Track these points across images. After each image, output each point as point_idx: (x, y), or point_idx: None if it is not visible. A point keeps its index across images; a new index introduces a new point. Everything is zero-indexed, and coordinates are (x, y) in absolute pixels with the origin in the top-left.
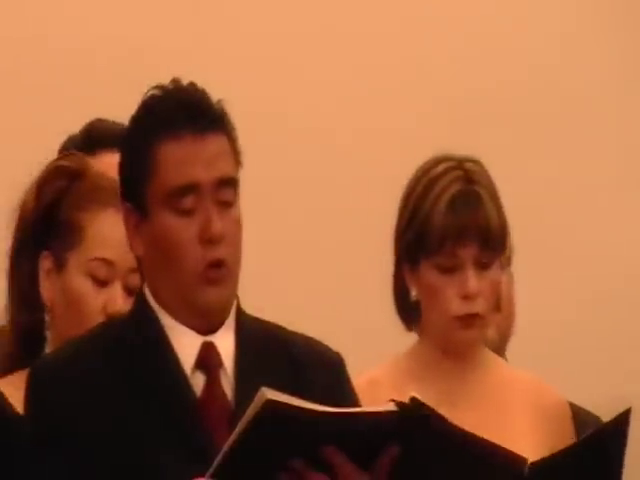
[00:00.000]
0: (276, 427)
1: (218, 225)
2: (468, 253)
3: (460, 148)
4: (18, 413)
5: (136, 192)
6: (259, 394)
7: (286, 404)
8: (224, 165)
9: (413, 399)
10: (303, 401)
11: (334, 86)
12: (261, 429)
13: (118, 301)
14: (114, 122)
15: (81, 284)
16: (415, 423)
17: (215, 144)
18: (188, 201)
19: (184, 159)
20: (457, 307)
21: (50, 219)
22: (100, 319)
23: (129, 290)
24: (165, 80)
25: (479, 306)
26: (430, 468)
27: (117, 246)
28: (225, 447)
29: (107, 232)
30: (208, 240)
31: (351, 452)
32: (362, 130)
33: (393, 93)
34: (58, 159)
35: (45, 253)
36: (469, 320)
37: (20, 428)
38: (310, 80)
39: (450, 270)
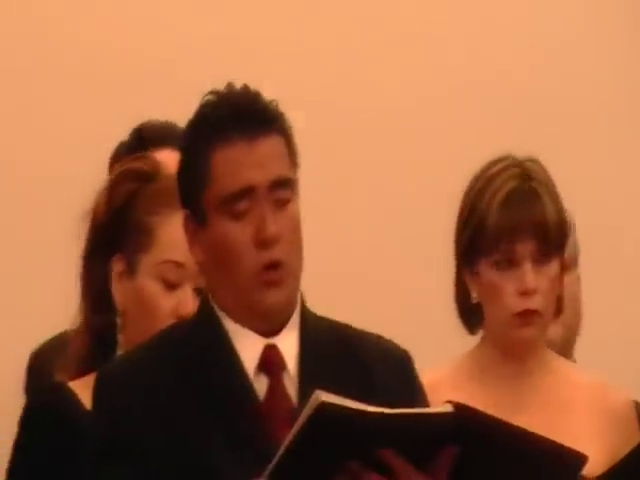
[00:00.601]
0: (330, 429)
1: (272, 227)
2: (525, 249)
3: (524, 149)
4: (86, 411)
5: (193, 199)
6: (313, 396)
7: (340, 406)
8: (278, 166)
9: (459, 405)
10: (358, 403)
11: (397, 86)
12: (315, 431)
13: (189, 304)
14: (162, 122)
15: (152, 287)
16: (471, 424)
17: (267, 146)
18: (243, 205)
19: (237, 164)
20: (515, 303)
21: (122, 222)
22: (171, 321)
23: (200, 293)
24: (223, 81)
25: (537, 302)
26: (487, 469)
27: (187, 248)
28: (281, 448)
29: (177, 235)
30: (263, 242)
31: (406, 453)
32: (424, 131)
33: (456, 95)
34: (129, 161)
35: (118, 256)
36: (528, 317)
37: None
38: (373, 80)
39: (508, 267)
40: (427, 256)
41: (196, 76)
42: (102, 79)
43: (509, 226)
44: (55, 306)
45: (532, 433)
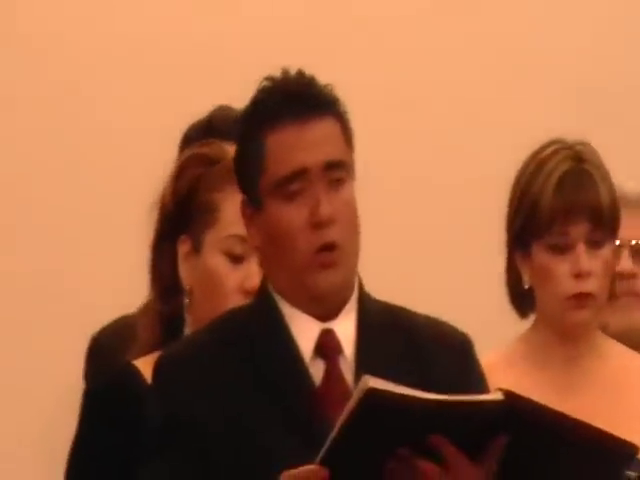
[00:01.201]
0: (379, 415)
1: (326, 208)
2: (579, 231)
3: (575, 133)
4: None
5: (249, 185)
6: (361, 382)
7: (388, 392)
8: (331, 148)
9: (509, 392)
10: (407, 388)
11: (450, 72)
12: (364, 417)
13: (255, 277)
14: (234, 112)
15: (218, 262)
16: (521, 412)
17: (320, 128)
18: (296, 187)
19: (289, 147)
20: (569, 286)
21: (187, 205)
22: (237, 296)
23: None
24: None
25: (591, 285)
26: (536, 457)
27: None
28: (332, 433)
29: None
30: (317, 224)
31: (455, 440)
32: (475, 116)
33: (507, 80)
34: (196, 147)
35: (183, 237)
36: (582, 300)
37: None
38: (427, 65)
39: (561, 250)
40: (479, 241)
41: (255, 63)
42: (169, 70)
43: (563, 208)
44: (116, 290)
45: (582, 422)
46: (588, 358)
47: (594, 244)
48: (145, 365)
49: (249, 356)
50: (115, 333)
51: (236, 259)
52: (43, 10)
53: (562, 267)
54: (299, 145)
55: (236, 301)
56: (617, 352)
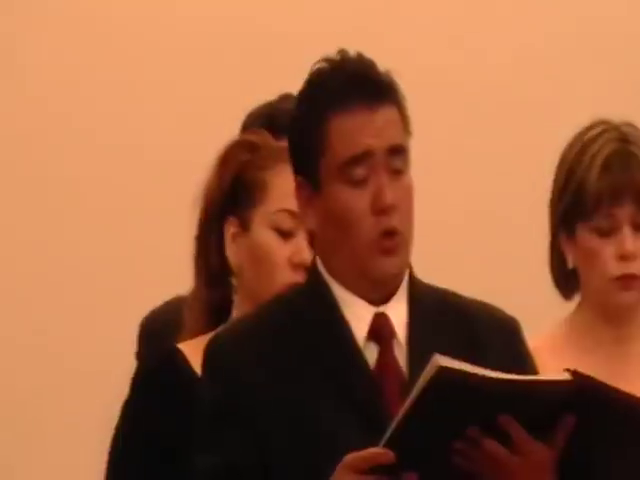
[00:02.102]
0: (449, 394)
1: (390, 195)
2: (624, 213)
3: (619, 115)
4: (199, 377)
5: (308, 166)
6: (432, 361)
7: (459, 371)
8: (394, 134)
9: (577, 373)
10: (476, 367)
11: (496, 53)
12: (434, 396)
13: (304, 252)
14: None
15: (267, 237)
16: (590, 393)
17: (385, 114)
18: (360, 171)
19: (355, 130)
20: (615, 268)
21: (234, 190)
22: (287, 271)
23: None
24: (331, 51)
25: (637, 267)
26: (603, 440)
27: None
28: (399, 415)
29: (290, 185)
30: (381, 210)
31: (522, 420)
32: (522, 98)
33: (558, 61)
34: (241, 135)
35: (230, 219)
36: (627, 281)
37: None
38: (473, 47)
39: (607, 232)
40: (522, 223)
41: (302, 49)
42: (217, 59)
43: (609, 190)
44: (168, 273)
45: None
46: (634, 341)
47: (639, 227)
48: (190, 349)
49: (302, 339)
50: (167, 315)
51: (285, 234)
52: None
53: (607, 249)
54: (366, 129)
55: (285, 275)
56: None
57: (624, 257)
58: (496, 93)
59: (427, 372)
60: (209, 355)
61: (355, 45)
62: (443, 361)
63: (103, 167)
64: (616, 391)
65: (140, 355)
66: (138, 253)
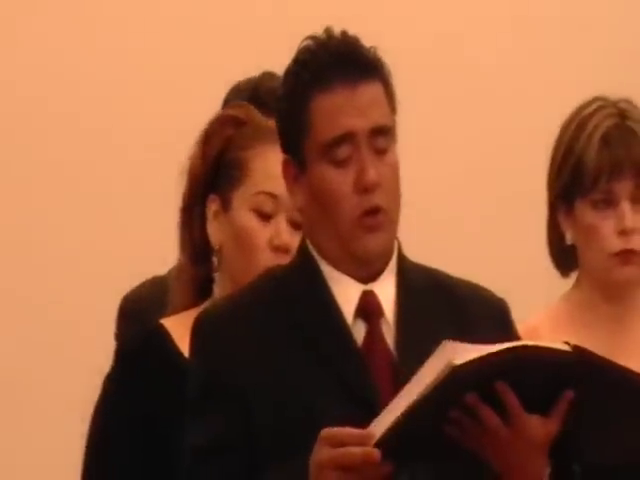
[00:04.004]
0: (460, 390)
1: (373, 173)
2: (623, 188)
3: (619, 94)
4: (185, 356)
5: (293, 145)
6: (445, 363)
7: (469, 363)
8: (378, 113)
9: (577, 347)
10: (477, 346)
11: (491, 30)
12: (444, 394)
13: (283, 234)
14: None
15: (247, 219)
16: (590, 367)
17: (368, 93)
18: (343, 151)
19: (338, 110)
20: (614, 243)
21: (217, 165)
22: (267, 253)
23: (294, 224)
24: (320, 29)
25: (636, 242)
26: (602, 414)
27: (280, 180)
28: (397, 410)
29: (271, 167)
30: (363, 189)
31: (522, 393)
32: (517, 76)
33: (555, 39)
34: (225, 110)
35: (212, 197)
36: (626, 256)
37: (187, 372)
38: (468, 26)
39: (606, 207)
40: (519, 200)
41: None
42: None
43: (608, 165)
44: (147, 251)
45: None
46: (633, 318)
47: (638, 202)
48: (174, 325)
49: (290, 316)
50: (146, 294)
51: (265, 216)
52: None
53: (607, 224)
54: (348, 109)
55: (266, 258)
56: None
57: (623, 232)
58: (493, 67)
59: (436, 368)
60: (197, 331)
61: (343, 24)
62: (456, 358)
63: (85, 144)
64: (616, 366)
65: (119, 336)
66: (116, 234)
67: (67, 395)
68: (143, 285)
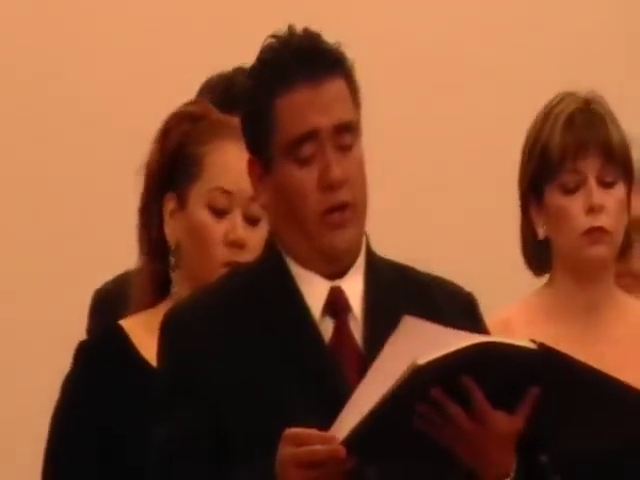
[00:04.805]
0: (425, 387)
1: (337, 171)
2: (590, 167)
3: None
4: (143, 356)
5: (258, 145)
6: (410, 363)
7: (434, 361)
8: (341, 110)
9: (543, 345)
10: (441, 328)
11: (461, 24)
12: (409, 392)
13: (238, 229)
14: None
15: (202, 215)
16: (554, 365)
17: (331, 89)
18: (307, 149)
19: (300, 108)
20: (582, 222)
21: (174, 162)
22: (221, 248)
23: (249, 219)
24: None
25: (604, 220)
26: (565, 412)
27: (235, 176)
28: (363, 414)
29: (225, 162)
30: (328, 186)
31: (487, 389)
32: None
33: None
34: (182, 106)
35: (169, 195)
36: (596, 235)
37: (145, 371)
38: (437, 16)
39: (574, 188)
40: (491, 197)
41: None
42: (166, 30)
43: (573, 144)
44: (119, 246)
45: (616, 379)
46: (608, 310)
47: (606, 182)
48: (132, 325)
49: (258, 314)
50: (117, 289)
51: (220, 212)
52: None
53: (575, 205)
54: (311, 107)
55: (221, 253)
56: (635, 306)
57: (591, 210)
58: (463, 67)
59: (400, 362)
60: (164, 330)
61: (324, 22)
62: (420, 360)
63: (45, 143)
64: (580, 364)
65: (91, 328)
66: (84, 229)
67: (34, 391)
68: (115, 280)
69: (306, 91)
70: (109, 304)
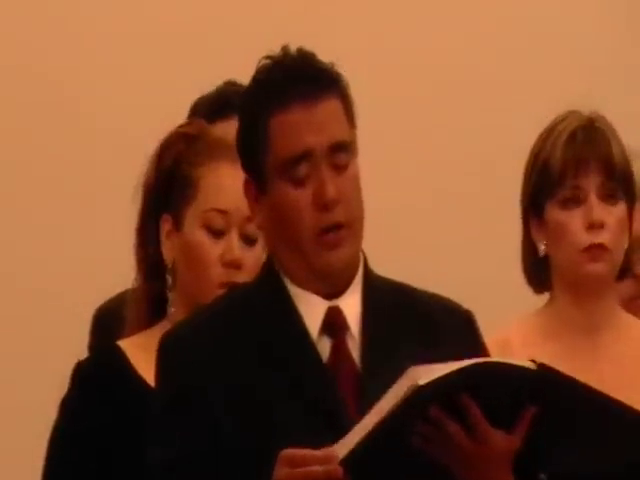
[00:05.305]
0: (425, 407)
1: (331, 190)
2: (591, 183)
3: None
4: (141, 376)
5: (253, 165)
6: (410, 383)
7: (434, 381)
8: (336, 130)
9: (542, 364)
10: (444, 364)
11: (464, 41)
12: (408, 412)
13: (235, 250)
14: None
15: (198, 236)
16: (553, 385)
17: (325, 109)
18: (302, 169)
19: (294, 128)
20: (582, 238)
21: (169, 182)
22: (218, 269)
23: (245, 239)
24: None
25: (604, 237)
26: (563, 432)
27: (231, 196)
28: (362, 430)
29: (221, 183)
30: (323, 206)
31: (485, 407)
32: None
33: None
34: (177, 127)
35: (165, 216)
36: (596, 252)
37: (142, 391)
38: (441, 34)
39: (574, 204)
40: (491, 216)
41: (255, 41)
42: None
43: (574, 160)
44: (120, 265)
45: (616, 400)
46: (608, 329)
47: (607, 199)
48: (130, 346)
49: (256, 334)
50: (118, 307)
51: (216, 233)
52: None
53: (575, 220)
54: (305, 126)
55: (218, 273)
56: (637, 325)
57: (591, 226)
58: (466, 87)
59: (402, 389)
60: (163, 349)
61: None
62: (421, 377)
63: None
64: (578, 383)
65: (92, 346)
66: (91, 246)
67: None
68: (116, 298)
69: (300, 111)
70: (110, 322)
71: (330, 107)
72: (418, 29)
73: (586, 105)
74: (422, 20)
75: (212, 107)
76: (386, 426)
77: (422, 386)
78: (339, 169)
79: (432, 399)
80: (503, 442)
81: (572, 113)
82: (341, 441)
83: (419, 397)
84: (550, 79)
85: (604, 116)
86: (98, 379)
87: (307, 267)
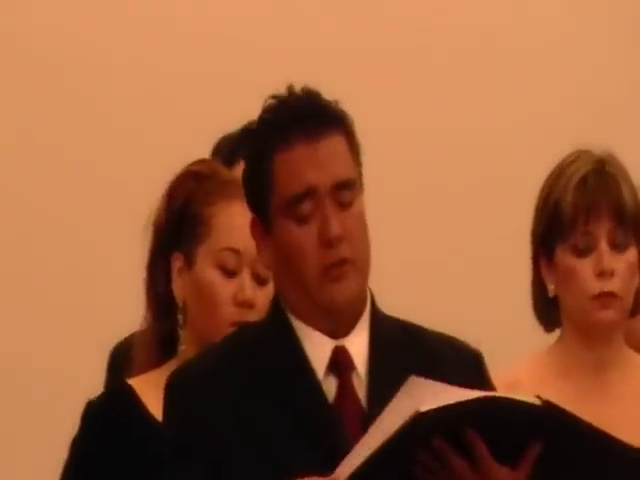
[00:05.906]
0: (426, 435)
1: (336, 227)
2: (602, 230)
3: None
4: (152, 415)
5: (259, 204)
6: (410, 399)
7: (437, 409)
8: (340, 167)
9: (548, 402)
10: (447, 387)
11: (471, 78)
12: (409, 439)
13: (247, 290)
14: None
15: (211, 275)
16: (558, 422)
17: (328, 146)
18: (306, 207)
19: (297, 166)
20: (593, 286)
21: (180, 221)
22: (231, 308)
23: (258, 279)
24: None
25: (615, 285)
26: (566, 469)
27: (244, 235)
28: (362, 453)
29: (233, 222)
30: (327, 243)
31: (490, 443)
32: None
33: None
34: (188, 165)
35: (176, 254)
36: (606, 299)
37: (154, 430)
38: (447, 73)
39: (585, 251)
40: (502, 253)
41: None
42: (178, 84)
43: (585, 206)
44: (135, 304)
45: (619, 440)
46: (614, 367)
47: (617, 246)
48: (140, 384)
49: (262, 373)
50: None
51: (229, 272)
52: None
53: (586, 268)
54: (308, 165)
55: (230, 313)
56: None
57: (602, 274)
58: (472, 123)
59: (403, 413)
60: (169, 392)
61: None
62: (422, 397)
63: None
64: (584, 422)
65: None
66: (107, 285)
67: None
68: (133, 336)
69: (303, 148)
70: (124, 361)
71: (333, 144)
72: (425, 67)
73: (595, 139)
74: (429, 57)
75: (234, 147)
76: (387, 451)
77: (423, 413)
78: (343, 206)
79: (435, 429)
80: (507, 477)
81: (583, 153)
82: (343, 462)
83: (421, 424)
84: (559, 114)
85: (615, 156)
86: (108, 419)
87: (312, 304)
